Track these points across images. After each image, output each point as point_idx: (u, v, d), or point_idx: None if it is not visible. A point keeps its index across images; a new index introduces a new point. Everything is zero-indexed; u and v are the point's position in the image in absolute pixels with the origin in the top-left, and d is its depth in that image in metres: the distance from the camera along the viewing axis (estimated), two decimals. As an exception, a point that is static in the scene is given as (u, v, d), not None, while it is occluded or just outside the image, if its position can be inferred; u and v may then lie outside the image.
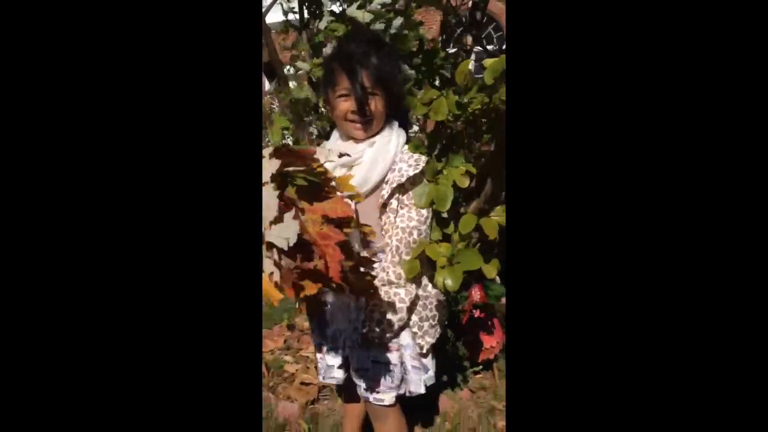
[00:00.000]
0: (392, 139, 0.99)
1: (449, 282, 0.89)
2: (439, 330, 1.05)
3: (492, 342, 1.60)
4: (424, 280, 1.02)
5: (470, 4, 1.46)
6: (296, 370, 1.70)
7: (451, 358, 1.57)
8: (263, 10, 1.50)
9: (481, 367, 1.69)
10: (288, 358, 1.77)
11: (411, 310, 1.00)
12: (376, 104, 0.96)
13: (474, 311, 1.55)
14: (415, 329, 1.01)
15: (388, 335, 0.98)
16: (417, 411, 1.44)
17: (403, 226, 0.98)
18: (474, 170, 0.99)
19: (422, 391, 1.02)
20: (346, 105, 0.97)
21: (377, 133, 1.00)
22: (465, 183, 0.99)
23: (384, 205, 0.98)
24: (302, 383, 1.61)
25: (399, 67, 1.07)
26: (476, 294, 1.54)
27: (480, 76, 0.90)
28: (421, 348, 1.02)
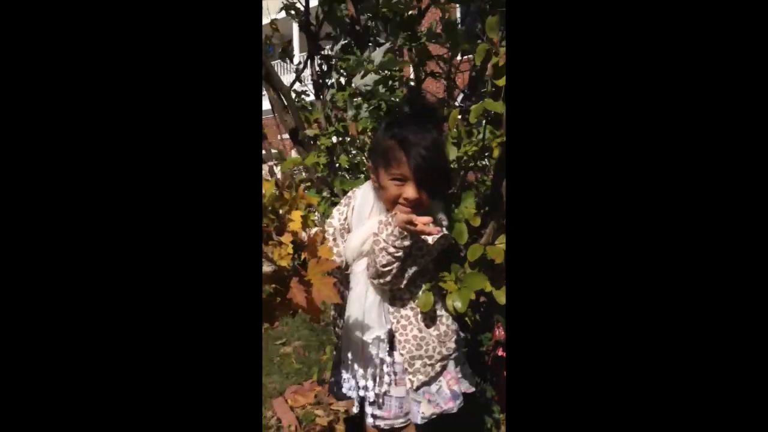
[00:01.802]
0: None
1: (458, 304, 0.97)
2: (435, 369, 1.10)
3: (520, 384, 1.60)
4: (423, 323, 1.09)
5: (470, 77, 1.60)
6: (327, 423, 1.72)
7: (479, 400, 1.57)
8: (288, 83, 1.70)
9: (512, 412, 1.67)
10: (319, 411, 1.79)
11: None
12: (426, 191, 0.98)
13: (497, 350, 1.58)
14: (405, 365, 1.08)
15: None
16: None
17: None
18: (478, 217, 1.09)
19: (418, 421, 1.10)
20: (399, 190, 0.99)
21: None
22: (477, 222, 1.08)
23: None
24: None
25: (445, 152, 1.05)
26: (498, 332, 1.57)
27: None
28: (411, 383, 1.09)
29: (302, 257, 0.87)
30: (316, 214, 1.14)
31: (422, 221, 0.93)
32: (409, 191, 0.97)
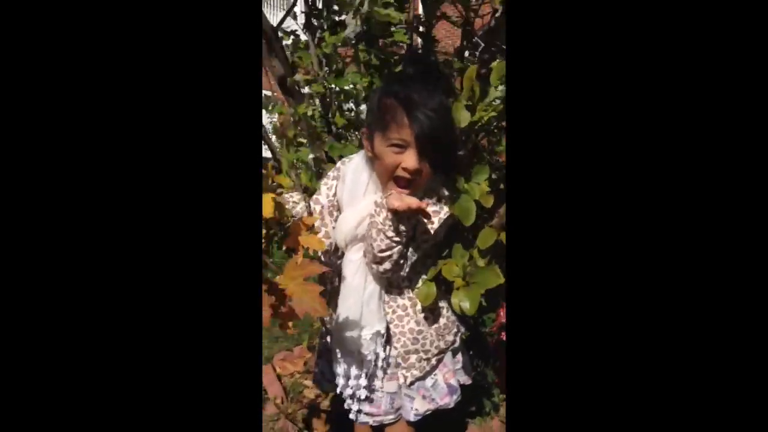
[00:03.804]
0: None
1: (466, 305, 0.81)
2: (431, 363, 0.99)
3: (522, 367, 1.50)
4: (421, 314, 0.96)
5: (487, 21, 1.38)
6: (316, 396, 1.64)
7: (479, 384, 1.47)
8: (277, 23, 1.48)
9: (511, 393, 1.59)
10: (308, 382, 1.70)
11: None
12: (428, 161, 0.82)
13: (501, 334, 1.45)
14: (399, 360, 0.97)
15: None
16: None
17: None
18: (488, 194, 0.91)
19: (411, 419, 1.01)
20: (397, 158, 0.82)
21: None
22: (490, 202, 0.90)
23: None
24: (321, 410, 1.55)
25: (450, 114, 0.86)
26: (503, 315, 1.44)
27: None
28: (405, 378, 0.98)
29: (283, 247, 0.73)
30: (291, 195, 0.96)
31: (417, 204, 0.78)
32: (409, 160, 0.81)
